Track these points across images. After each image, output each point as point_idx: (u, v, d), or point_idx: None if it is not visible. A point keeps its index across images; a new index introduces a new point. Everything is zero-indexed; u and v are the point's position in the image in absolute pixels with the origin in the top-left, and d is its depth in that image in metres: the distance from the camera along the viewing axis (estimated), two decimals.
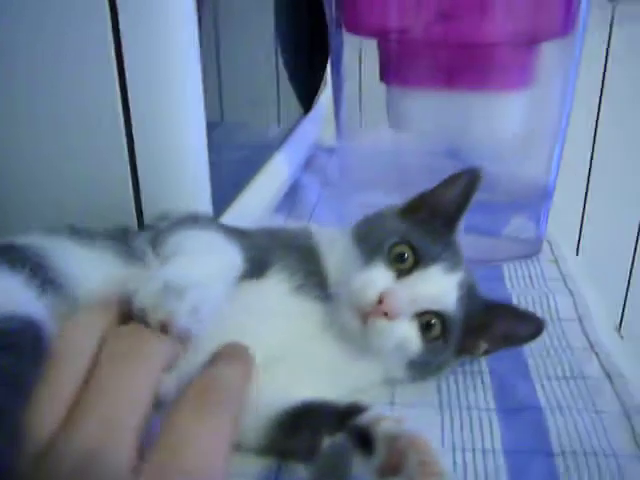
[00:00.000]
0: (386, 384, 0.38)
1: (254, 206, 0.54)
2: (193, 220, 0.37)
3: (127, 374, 0.25)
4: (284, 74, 0.64)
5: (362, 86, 0.57)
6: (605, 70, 1.05)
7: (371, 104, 0.57)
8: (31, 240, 0.32)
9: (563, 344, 0.44)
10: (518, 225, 0.58)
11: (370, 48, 0.54)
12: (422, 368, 0.37)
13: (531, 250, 0.57)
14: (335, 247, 0.39)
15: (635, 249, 1.17)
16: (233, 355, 0.30)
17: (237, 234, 0.37)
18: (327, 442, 0.30)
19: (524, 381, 0.40)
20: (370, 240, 0.37)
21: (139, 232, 0.37)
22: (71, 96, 0.38)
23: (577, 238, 1.17)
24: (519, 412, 0.37)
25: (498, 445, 0.35)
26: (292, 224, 0.60)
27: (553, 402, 0.38)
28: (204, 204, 0.42)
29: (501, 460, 0.34)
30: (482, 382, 0.40)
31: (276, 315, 0.36)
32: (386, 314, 0.34)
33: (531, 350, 0.42)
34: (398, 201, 0.42)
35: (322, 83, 0.77)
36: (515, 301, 0.49)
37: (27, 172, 0.40)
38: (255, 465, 0.32)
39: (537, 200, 0.57)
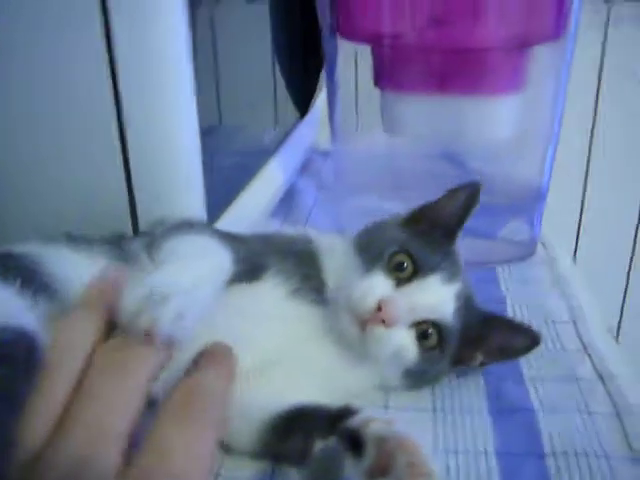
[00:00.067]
0: (381, 390, 0.38)
1: (250, 210, 0.55)
2: (188, 226, 0.38)
3: (114, 384, 0.26)
4: (280, 78, 0.65)
5: (357, 90, 0.58)
6: (601, 71, 1.05)
7: (366, 108, 0.58)
8: (28, 248, 0.32)
9: (557, 346, 0.44)
10: (513, 227, 0.58)
11: (365, 52, 0.54)
12: (418, 377, 0.38)
13: (525, 252, 0.57)
14: (335, 253, 0.40)
15: (632, 254, 1.17)
16: (216, 357, 0.30)
17: (231, 239, 0.37)
18: (319, 445, 0.30)
19: (517, 383, 0.40)
20: (371, 248, 0.38)
21: (135, 238, 0.37)
22: (65, 102, 0.38)
23: (574, 244, 1.18)
24: (512, 414, 0.37)
25: (490, 447, 0.35)
26: (290, 229, 0.60)
27: (546, 404, 0.38)
28: (198, 209, 0.43)
29: (493, 462, 0.34)
30: (475, 384, 0.40)
31: (272, 319, 0.36)
32: (384, 321, 0.35)
33: None
34: (392, 204, 0.42)
35: (317, 87, 0.77)
36: (509, 303, 0.50)
37: (25, 180, 0.41)
38: (249, 469, 0.33)
39: (531, 202, 0.57)
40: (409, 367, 0.37)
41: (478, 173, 0.58)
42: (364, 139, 0.61)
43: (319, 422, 0.32)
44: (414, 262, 0.37)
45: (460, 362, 0.39)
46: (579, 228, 1.17)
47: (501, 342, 0.39)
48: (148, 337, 0.26)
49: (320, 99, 0.79)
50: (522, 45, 0.50)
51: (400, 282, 0.37)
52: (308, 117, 0.76)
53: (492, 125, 0.51)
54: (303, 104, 0.75)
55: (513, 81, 0.51)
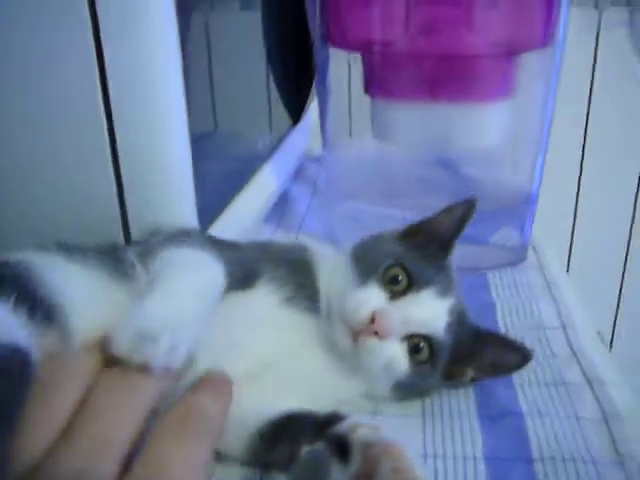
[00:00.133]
0: (371, 400, 0.39)
1: (243, 216, 0.55)
2: (184, 235, 0.38)
3: (119, 400, 0.27)
4: (273, 85, 0.65)
5: (350, 96, 0.58)
6: (593, 76, 1.06)
7: (359, 114, 0.58)
8: (23, 257, 0.32)
9: (547, 352, 0.44)
10: (505, 234, 0.58)
11: (358, 59, 0.55)
12: (408, 390, 0.38)
13: (516, 258, 0.57)
14: (329, 263, 0.40)
15: (626, 258, 1.17)
16: (214, 383, 0.31)
17: (226, 247, 0.38)
18: (305, 450, 0.30)
19: (506, 387, 0.40)
20: (366, 261, 0.38)
21: (129, 247, 0.38)
22: (57, 107, 0.38)
23: (568, 249, 1.18)
24: (501, 418, 0.37)
25: (479, 452, 0.35)
26: (285, 237, 0.60)
27: (534, 408, 0.38)
28: (189, 215, 0.43)
29: (482, 467, 0.34)
30: (465, 389, 0.40)
31: (265, 326, 0.37)
32: (377, 333, 0.35)
33: None
34: (384, 210, 0.43)
35: (310, 94, 0.77)
36: (499, 309, 0.50)
37: (20, 185, 0.41)
38: (237, 476, 0.33)
39: (522, 208, 0.57)
40: (400, 380, 0.37)
41: (469, 179, 0.59)
42: (356, 145, 0.61)
43: (307, 428, 0.32)
44: (409, 276, 0.37)
45: (451, 377, 0.39)
46: (573, 233, 1.18)
47: (493, 358, 0.39)
48: (145, 370, 0.27)
49: (313, 106, 0.80)
50: (511, 52, 0.50)
51: (394, 295, 0.37)
52: (301, 124, 0.77)
53: (481, 132, 0.52)
54: (296, 111, 0.76)
55: (502, 88, 0.51)
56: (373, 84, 0.54)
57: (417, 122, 0.51)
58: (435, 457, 0.35)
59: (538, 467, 0.34)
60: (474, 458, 0.35)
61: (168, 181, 0.41)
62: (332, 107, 0.57)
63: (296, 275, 0.38)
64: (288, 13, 0.66)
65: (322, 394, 0.36)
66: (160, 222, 0.40)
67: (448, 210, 0.40)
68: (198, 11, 0.45)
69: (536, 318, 0.48)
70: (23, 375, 0.25)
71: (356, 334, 0.36)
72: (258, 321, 0.37)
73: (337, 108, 0.59)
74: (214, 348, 0.33)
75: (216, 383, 0.31)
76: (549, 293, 0.52)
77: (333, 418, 0.31)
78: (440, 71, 0.50)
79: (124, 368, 0.27)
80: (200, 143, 0.43)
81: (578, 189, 1.15)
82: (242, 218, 0.54)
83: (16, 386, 0.24)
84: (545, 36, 0.50)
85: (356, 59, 0.55)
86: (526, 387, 0.40)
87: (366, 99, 0.55)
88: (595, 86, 1.06)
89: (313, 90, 0.77)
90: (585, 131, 1.10)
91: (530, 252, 0.59)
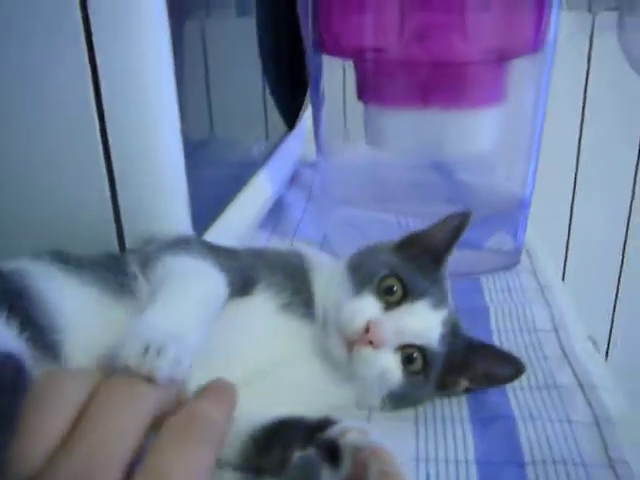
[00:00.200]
0: (364, 407, 0.39)
1: (238, 223, 0.55)
2: (184, 242, 0.38)
3: (121, 409, 0.26)
4: (268, 92, 0.65)
5: (345, 102, 0.59)
6: (587, 80, 1.06)
7: (354, 120, 0.59)
8: (18, 267, 0.32)
9: (539, 355, 0.45)
10: (499, 238, 0.59)
11: (352, 65, 0.55)
12: (401, 400, 0.38)
13: (510, 262, 0.58)
14: (325, 271, 0.41)
15: (622, 262, 1.17)
16: (218, 390, 0.31)
17: (223, 254, 0.38)
18: (297, 456, 0.30)
19: (498, 391, 0.40)
20: (362, 271, 0.39)
21: (126, 256, 0.38)
22: (49, 109, 0.38)
23: (564, 253, 1.18)
24: (492, 422, 0.38)
25: (471, 456, 0.35)
26: (280, 243, 0.61)
27: (526, 412, 0.38)
28: (182, 220, 0.43)
29: (473, 470, 0.34)
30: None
31: (262, 332, 0.37)
32: (371, 343, 0.35)
33: None
34: (378, 215, 0.43)
35: (305, 100, 0.78)
36: (492, 312, 0.50)
37: (14, 188, 0.41)
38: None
39: (515, 212, 0.58)
40: (393, 390, 0.37)
41: (462, 184, 0.59)
42: (350, 151, 0.62)
43: (299, 433, 0.32)
44: (404, 286, 0.38)
45: (444, 387, 0.39)
46: (568, 239, 1.18)
47: (486, 370, 0.39)
48: (150, 381, 0.27)
49: (308, 112, 0.80)
50: (502, 58, 0.51)
51: (389, 305, 0.37)
52: (296, 130, 0.77)
53: (473, 137, 0.52)
54: (291, 117, 0.76)
55: (494, 93, 0.52)
56: (366, 91, 0.54)
57: (410, 128, 0.52)
58: (427, 461, 0.35)
59: (530, 470, 0.34)
60: (466, 462, 0.35)
61: (161, 183, 0.41)
62: (326, 113, 0.58)
63: (292, 281, 0.39)
64: (281, 20, 0.67)
65: (316, 401, 0.36)
66: (153, 224, 0.41)
67: (444, 222, 0.41)
68: (194, 18, 0.46)
69: (529, 321, 0.48)
70: (17, 381, 0.25)
71: (351, 344, 0.36)
72: (256, 328, 0.37)
73: (331, 114, 0.59)
74: (212, 355, 0.33)
75: (220, 390, 0.31)
76: (542, 296, 0.53)
77: (324, 423, 0.32)
78: (432, 78, 0.50)
79: (125, 377, 0.27)
80: (196, 149, 0.44)
81: (574, 193, 1.15)
82: (237, 224, 0.54)
83: (9, 392, 0.24)
84: (536, 42, 0.51)
85: (350, 65, 0.55)
86: (518, 391, 0.40)
87: (360, 105, 0.55)
88: (589, 89, 1.07)
89: (308, 96, 0.77)
90: (580, 134, 1.10)
91: (523, 256, 0.59)
